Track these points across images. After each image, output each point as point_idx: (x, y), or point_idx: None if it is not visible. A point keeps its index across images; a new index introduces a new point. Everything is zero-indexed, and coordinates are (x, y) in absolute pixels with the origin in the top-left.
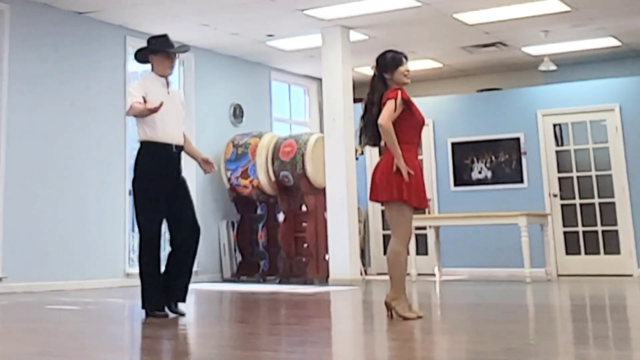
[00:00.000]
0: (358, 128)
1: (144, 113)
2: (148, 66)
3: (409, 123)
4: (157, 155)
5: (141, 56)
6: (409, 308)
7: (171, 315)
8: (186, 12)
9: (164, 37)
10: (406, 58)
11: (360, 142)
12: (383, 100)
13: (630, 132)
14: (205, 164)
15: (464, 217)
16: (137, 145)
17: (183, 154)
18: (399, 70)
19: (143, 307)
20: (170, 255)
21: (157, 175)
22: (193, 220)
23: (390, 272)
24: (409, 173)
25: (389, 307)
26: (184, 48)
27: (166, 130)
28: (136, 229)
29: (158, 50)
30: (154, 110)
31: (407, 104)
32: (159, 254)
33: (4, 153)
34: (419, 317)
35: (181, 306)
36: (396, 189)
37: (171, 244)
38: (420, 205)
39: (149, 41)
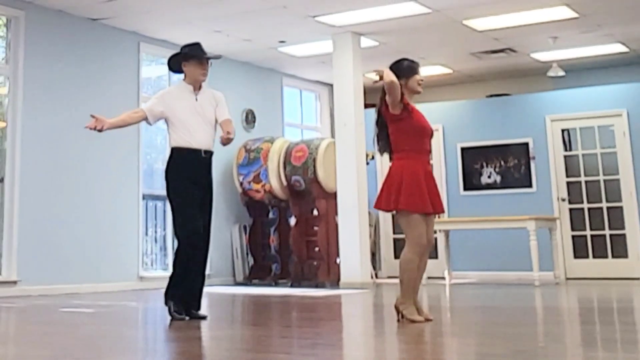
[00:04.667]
0: (374, 134)
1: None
2: (161, 71)
3: (409, 129)
4: (186, 161)
5: (174, 64)
6: (417, 312)
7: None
8: (199, 19)
9: (196, 45)
10: (420, 67)
11: (378, 149)
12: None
13: (637, 137)
14: (225, 136)
15: (473, 221)
16: (150, 150)
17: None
18: (414, 78)
19: (166, 302)
20: (176, 253)
21: (187, 179)
22: (206, 234)
23: (401, 277)
24: (416, 180)
25: (398, 310)
26: (217, 55)
27: (193, 136)
28: (149, 233)
29: (191, 57)
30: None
31: (407, 108)
32: (199, 258)
33: (19, 158)
34: (429, 320)
35: (201, 312)
36: (394, 199)
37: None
38: (425, 211)
39: (181, 49)
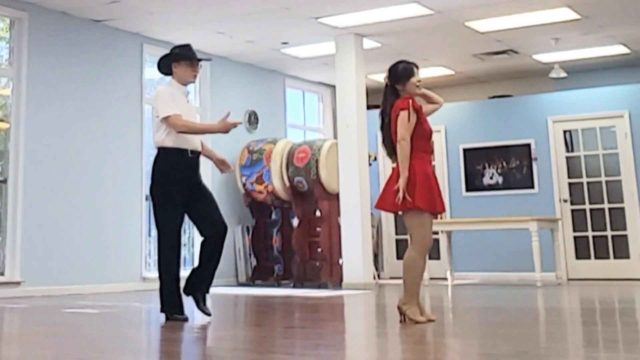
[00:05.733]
0: (381, 138)
1: (206, 131)
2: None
3: (419, 132)
4: (175, 161)
5: (164, 66)
6: (420, 312)
7: (194, 316)
8: (202, 20)
9: (187, 46)
10: (417, 68)
11: (387, 153)
12: (393, 109)
13: (639, 138)
14: (221, 164)
15: (475, 222)
16: (153, 151)
17: (201, 157)
18: (410, 81)
19: (162, 310)
20: (201, 247)
21: (174, 180)
22: (218, 216)
23: (405, 277)
24: (427, 180)
25: (401, 311)
26: (208, 57)
27: (183, 137)
28: (153, 234)
29: (182, 58)
30: (226, 129)
31: (418, 114)
32: (178, 258)
33: (22, 159)
34: (431, 321)
35: (208, 306)
36: (410, 198)
37: (203, 238)
38: (436, 210)
39: (171, 50)
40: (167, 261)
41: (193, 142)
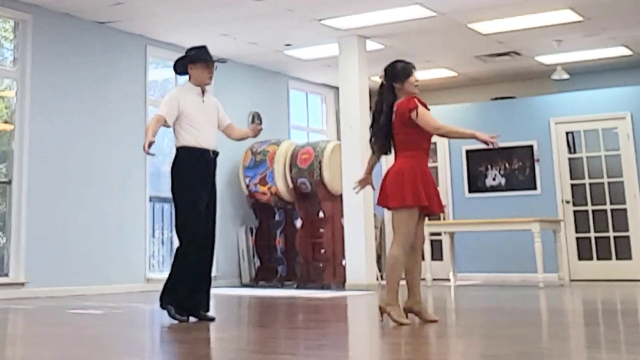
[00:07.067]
0: (370, 136)
1: (146, 134)
2: (168, 74)
3: (418, 130)
4: (195, 160)
5: (180, 67)
6: (404, 313)
7: (192, 319)
8: (206, 22)
9: (203, 48)
10: (414, 68)
11: (373, 152)
12: (399, 111)
13: None
14: (253, 130)
15: (478, 223)
16: (157, 152)
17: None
18: (409, 81)
19: (161, 305)
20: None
21: (195, 179)
22: (211, 233)
23: (387, 276)
24: (413, 177)
25: (382, 311)
26: (223, 59)
27: (202, 136)
28: (156, 235)
29: (197, 60)
30: (145, 147)
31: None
32: (197, 259)
33: (26, 160)
34: (434, 321)
35: (211, 309)
36: (401, 196)
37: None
38: (429, 209)
39: (187, 52)
40: (187, 261)
41: (212, 143)
